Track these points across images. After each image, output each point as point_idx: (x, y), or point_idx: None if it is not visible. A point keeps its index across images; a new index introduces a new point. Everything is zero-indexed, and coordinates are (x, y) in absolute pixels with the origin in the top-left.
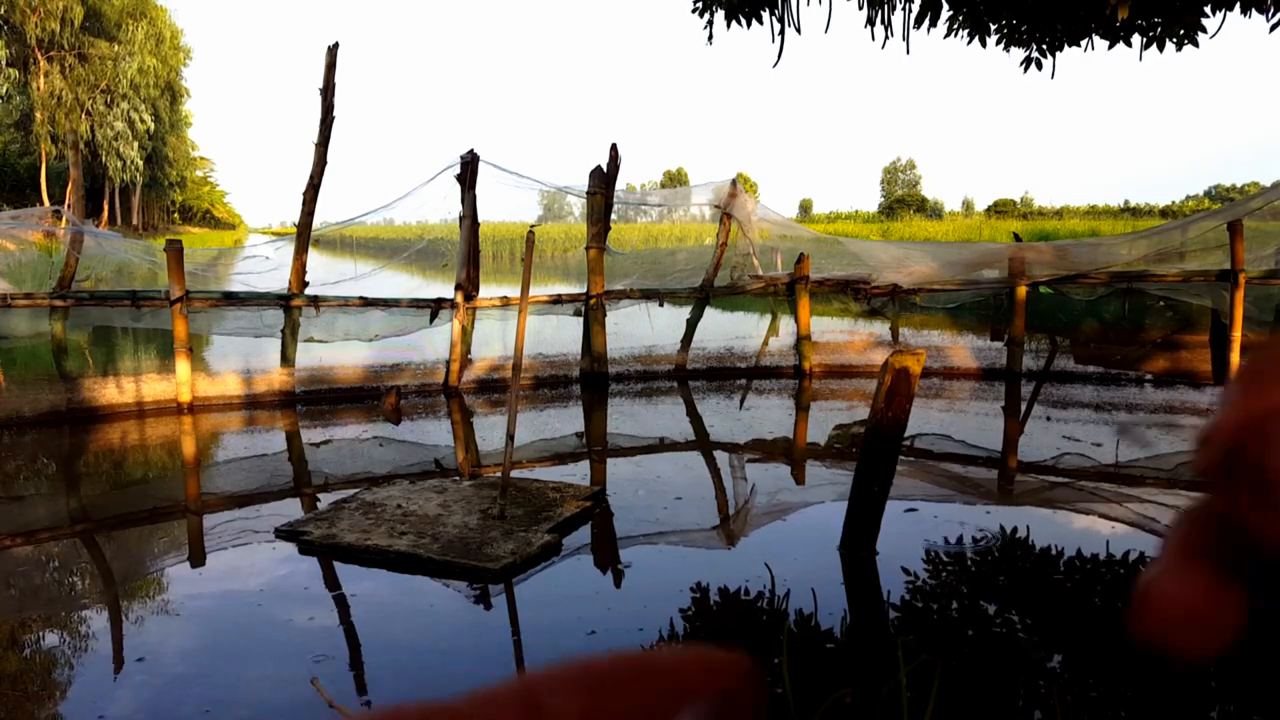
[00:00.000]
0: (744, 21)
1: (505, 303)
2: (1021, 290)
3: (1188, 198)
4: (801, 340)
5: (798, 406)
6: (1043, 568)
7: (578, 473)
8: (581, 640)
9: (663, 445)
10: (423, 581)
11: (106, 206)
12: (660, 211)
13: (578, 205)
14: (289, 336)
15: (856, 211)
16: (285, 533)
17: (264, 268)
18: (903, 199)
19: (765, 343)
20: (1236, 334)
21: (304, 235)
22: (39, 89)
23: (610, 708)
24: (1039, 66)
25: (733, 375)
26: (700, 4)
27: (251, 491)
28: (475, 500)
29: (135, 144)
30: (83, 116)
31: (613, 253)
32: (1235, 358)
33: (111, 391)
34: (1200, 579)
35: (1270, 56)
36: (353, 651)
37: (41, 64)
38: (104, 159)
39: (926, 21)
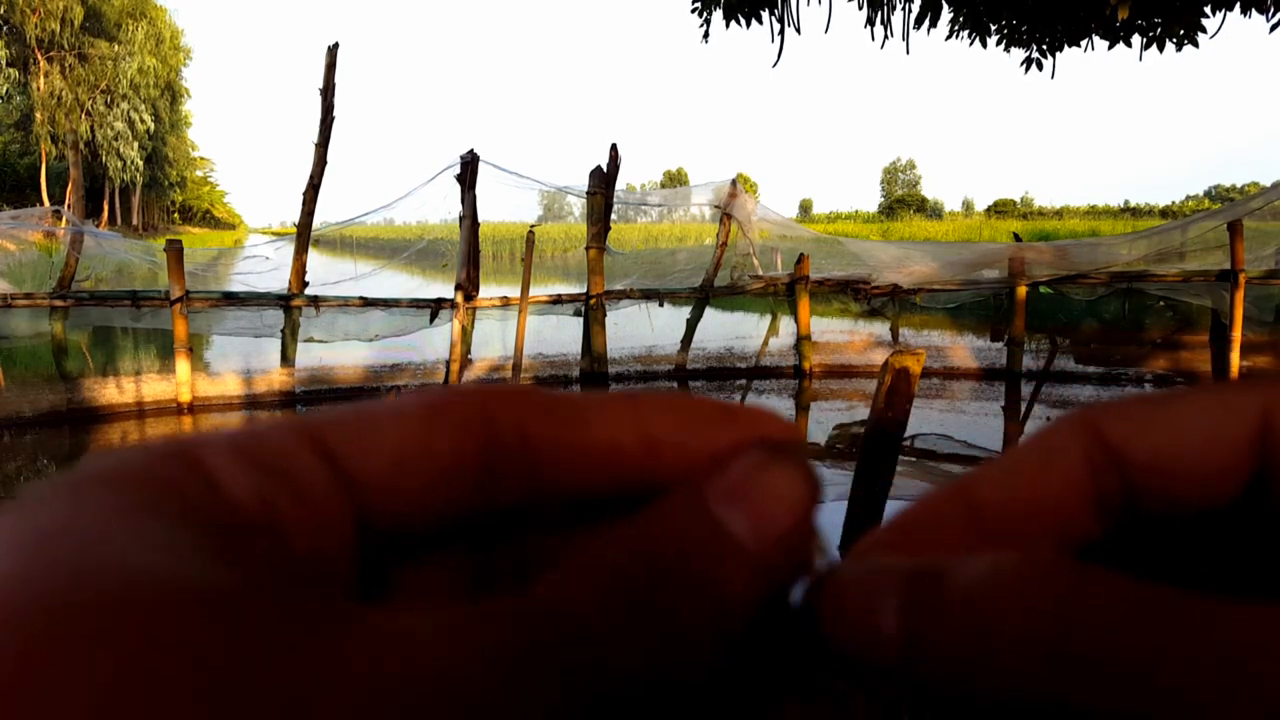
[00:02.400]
0: (743, 21)
1: (505, 303)
2: (1021, 290)
3: (1188, 198)
4: (801, 340)
5: (798, 406)
6: None
7: None
8: None
9: None
10: None
11: (106, 206)
12: (660, 211)
13: (578, 205)
14: (289, 336)
15: (856, 211)
16: None
17: (264, 268)
18: (903, 199)
19: (765, 343)
20: (1236, 334)
21: (304, 235)
22: (39, 89)
23: (699, 439)
24: (1039, 67)
25: (733, 375)
26: (699, 3)
27: None
28: None
29: (135, 144)
30: (83, 116)
31: (613, 253)
32: (1235, 358)
33: (111, 391)
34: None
35: (1270, 56)
36: None
37: (41, 64)
38: (104, 159)
39: (926, 22)
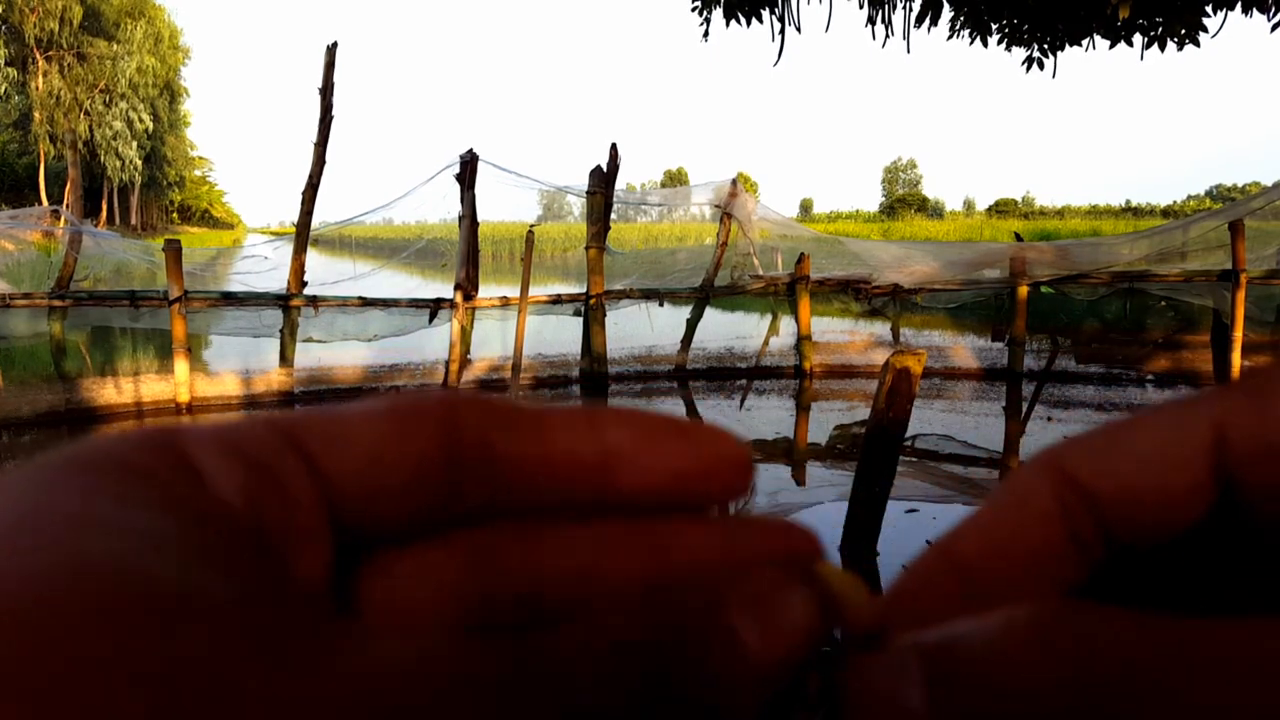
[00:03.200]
0: (743, 20)
1: (505, 303)
2: (1023, 290)
3: (1189, 197)
4: (802, 340)
5: (798, 406)
6: None
7: None
8: None
9: None
10: None
11: (105, 206)
12: (660, 211)
13: (577, 205)
14: (288, 336)
15: (857, 211)
16: None
17: (263, 268)
18: (904, 198)
19: (765, 343)
20: (1238, 334)
21: (303, 235)
22: (37, 88)
23: (655, 454)
24: (1040, 66)
25: (733, 375)
26: (699, 2)
27: None
28: None
29: (134, 144)
30: (81, 116)
31: (613, 252)
32: (1236, 358)
33: (110, 392)
34: None
35: (1271, 56)
36: None
37: (40, 63)
38: (102, 159)
39: (927, 21)
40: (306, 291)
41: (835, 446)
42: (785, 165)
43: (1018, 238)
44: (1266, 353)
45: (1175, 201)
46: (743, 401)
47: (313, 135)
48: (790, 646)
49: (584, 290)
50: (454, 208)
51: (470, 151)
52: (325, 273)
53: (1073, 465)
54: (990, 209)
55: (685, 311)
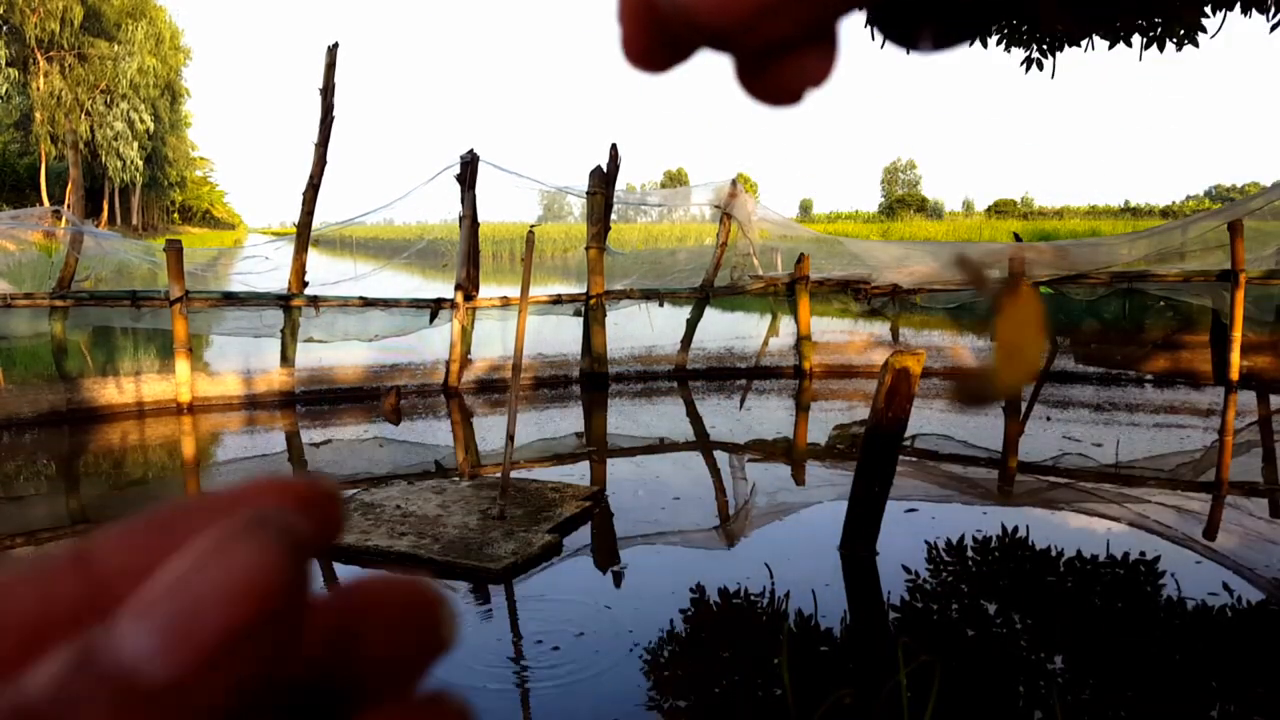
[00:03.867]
0: None
1: (505, 303)
2: None
3: (1188, 198)
4: (801, 340)
5: (798, 406)
6: (1043, 568)
7: (577, 473)
8: (580, 639)
9: (663, 445)
10: None
11: (106, 206)
12: (660, 211)
13: (578, 205)
14: (289, 336)
15: (857, 211)
16: None
17: (264, 268)
18: (903, 199)
19: (765, 343)
20: (1237, 334)
21: (304, 235)
22: (38, 89)
23: (169, 546)
24: (1039, 66)
25: (733, 375)
26: None
27: None
28: (474, 501)
29: (135, 144)
30: (82, 116)
31: (613, 253)
32: (1235, 358)
33: (111, 392)
34: None
35: (1270, 56)
36: None
37: (41, 64)
38: (104, 159)
39: None
40: (308, 291)
41: (835, 446)
42: (785, 166)
43: (1016, 238)
44: (1266, 353)
45: (1174, 202)
46: (742, 401)
47: (314, 136)
48: (213, 627)
49: (584, 290)
50: (455, 208)
51: (471, 152)
52: (326, 273)
53: None
54: (989, 209)
55: (685, 311)
